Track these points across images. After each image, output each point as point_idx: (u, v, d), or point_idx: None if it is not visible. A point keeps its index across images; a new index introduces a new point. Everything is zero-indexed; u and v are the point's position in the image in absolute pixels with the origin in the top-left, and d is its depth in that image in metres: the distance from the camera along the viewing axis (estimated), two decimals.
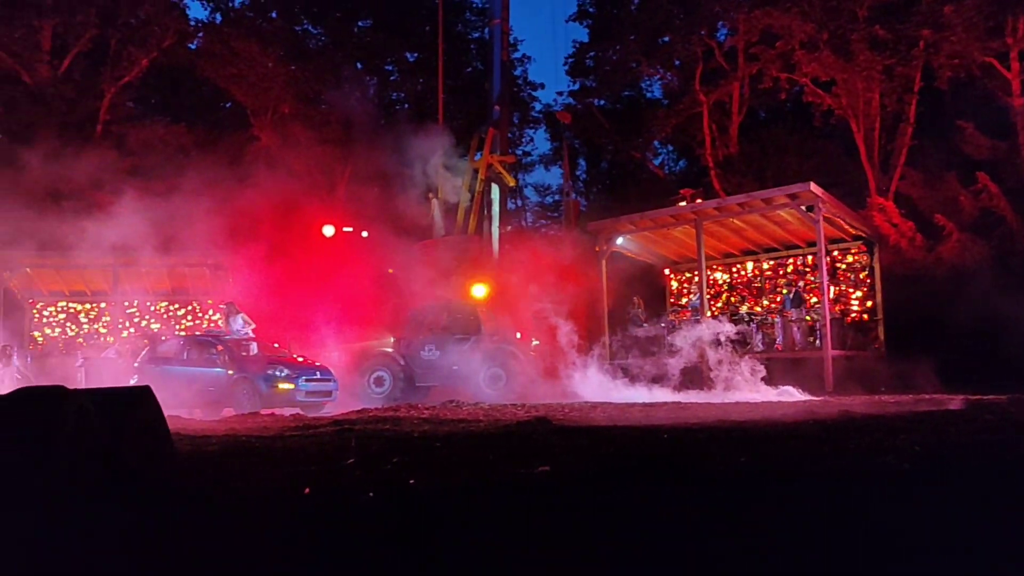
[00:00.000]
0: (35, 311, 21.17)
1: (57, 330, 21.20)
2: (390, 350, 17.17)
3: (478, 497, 4.19)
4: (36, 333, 20.93)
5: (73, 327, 21.23)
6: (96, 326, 21.19)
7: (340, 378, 15.35)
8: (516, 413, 10.83)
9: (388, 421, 9.68)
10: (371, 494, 4.15)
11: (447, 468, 5.24)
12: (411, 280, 18.39)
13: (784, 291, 19.28)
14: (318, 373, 14.67)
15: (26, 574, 2.76)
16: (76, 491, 3.90)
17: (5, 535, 3.33)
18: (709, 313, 18.30)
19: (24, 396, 4.14)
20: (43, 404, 3.99)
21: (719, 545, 3.02)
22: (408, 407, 12.69)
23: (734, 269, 20.86)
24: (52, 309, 21.34)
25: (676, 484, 4.49)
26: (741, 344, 16.72)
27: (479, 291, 18.90)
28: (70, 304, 21.36)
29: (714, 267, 20.77)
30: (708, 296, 18.99)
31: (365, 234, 20.29)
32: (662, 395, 14.61)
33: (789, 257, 19.89)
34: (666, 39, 27.50)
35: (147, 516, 3.72)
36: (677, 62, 27.89)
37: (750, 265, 20.54)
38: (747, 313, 18.74)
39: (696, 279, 19.09)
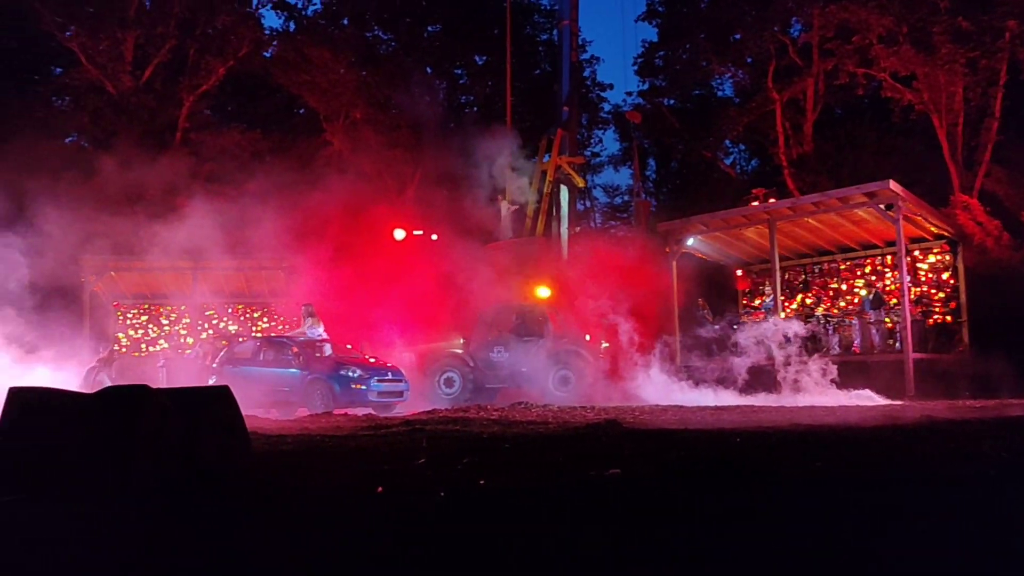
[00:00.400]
0: (119, 313, 21.97)
1: (139, 331, 21.96)
2: (459, 351, 17.27)
3: (548, 498, 4.17)
4: (120, 334, 21.72)
5: (155, 328, 21.96)
6: (176, 328, 21.89)
7: (410, 379, 15.52)
8: (585, 415, 10.77)
9: (458, 422, 9.72)
10: (442, 494, 4.17)
11: (516, 469, 5.23)
12: (480, 282, 18.48)
13: (862, 292, 18.74)
14: (390, 374, 14.87)
15: (110, 566, 2.85)
16: (157, 487, 4.02)
17: (90, 528, 3.45)
18: (783, 314, 17.91)
19: (109, 395, 4.29)
20: (127, 403, 4.12)
21: (796, 550, 2.94)
22: (477, 408, 12.74)
23: (809, 270, 20.38)
24: (135, 311, 22.12)
25: (749, 489, 4.39)
26: (816, 346, 16.33)
27: (547, 293, 18.88)
28: (151, 306, 22.10)
29: (788, 267, 20.34)
30: (782, 297, 18.59)
31: (434, 237, 20.48)
32: (733, 398, 14.36)
33: (867, 257, 19.35)
34: (737, 36, 26.99)
35: (224, 512, 3.80)
36: (749, 59, 27.37)
37: (826, 265, 20.04)
38: (823, 315, 18.27)
39: (769, 280, 18.72)
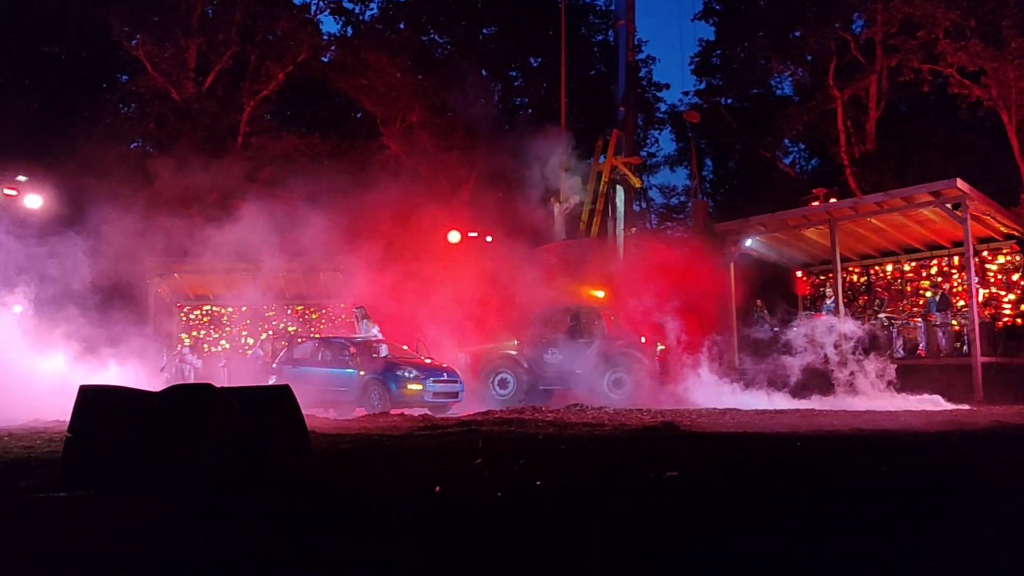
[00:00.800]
0: (182, 314, 22.51)
1: (202, 332, 22.47)
2: (514, 353, 17.28)
3: (604, 500, 4.15)
4: (183, 335, 22.25)
5: (216, 329, 22.45)
6: (237, 328, 22.33)
7: (464, 380, 15.59)
8: (642, 418, 10.68)
9: (513, 423, 9.73)
10: (499, 494, 4.18)
11: (573, 471, 5.21)
12: (534, 283, 18.47)
13: (928, 294, 18.25)
14: (445, 375, 14.96)
15: (178, 557, 2.92)
16: (221, 482, 4.11)
17: (158, 522, 3.54)
18: (844, 316, 17.52)
19: (176, 393, 4.40)
20: (194, 401, 4.22)
21: (857, 556, 2.87)
22: (532, 410, 12.73)
23: (872, 271, 19.92)
24: (197, 312, 22.64)
25: (810, 493, 4.30)
26: (880, 349, 15.94)
27: (602, 294, 18.78)
28: (213, 307, 22.57)
29: (850, 269, 19.90)
30: (844, 299, 18.18)
31: (489, 239, 20.54)
32: (791, 402, 14.11)
33: (933, 258, 18.82)
34: (797, 34, 26.52)
35: (286, 508, 3.87)
36: (809, 57, 26.86)
37: (889, 266, 19.56)
38: (887, 317, 17.81)
39: (831, 281, 18.35)
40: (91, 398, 4.35)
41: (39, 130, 20.68)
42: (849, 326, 15.99)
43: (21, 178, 17.21)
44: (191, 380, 15.17)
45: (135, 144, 27.04)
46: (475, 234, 20.53)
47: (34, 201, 17.03)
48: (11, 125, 18.85)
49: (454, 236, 20.26)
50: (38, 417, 10.30)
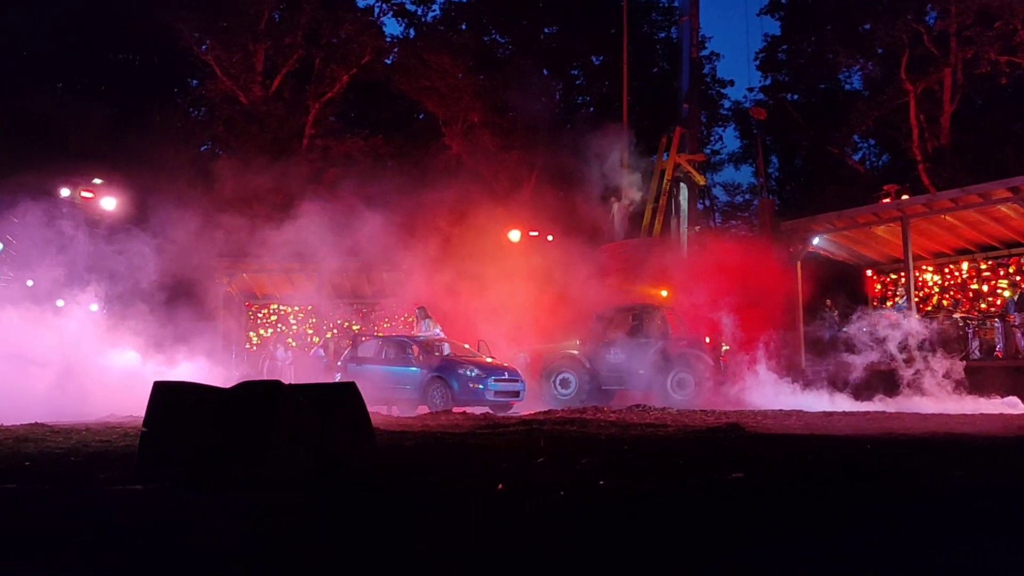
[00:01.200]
0: (250, 313, 23.04)
1: (269, 330, 22.96)
2: (575, 353, 17.21)
3: (669, 501, 4.10)
4: (251, 333, 22.77)
5: (283, 327, 22.91)
6: (303, 327, 22.75)
7: (525, 379, 15.59)
8: (705, 419, 10.54)
9: (575, 423, 9.69)
10: (561, 493, 4.16)
11: (636, 471, 5.16)
12: (596, 283, 18.37)
13: (1006, 293, 17.61)
14: (507, 374, 14.99)
15: (249, 547, 2.97)
16: (290, 477, 4.18)
17: (228, 515, 3.62)
18: (916, 316, 17.01)
19: (245, 389, 4.49)
20: (263, 397, 4.31)
21: (938, 563, 2.77)
22: (594, 410, 12.66)
23: (946, 270, 19.31)
24: (265, 311, 23.15)
25: (882, 498, 4.18)
26: (954, 350, 15.42)
27: (665, 294, 18.59)
28: (280, 306, 23.05)
29: (923, 268, 19.32)
30: (917, 299, 17.67)
31: (550, 238, 20.51)
32: (861, 404, 13.75)
33: (1011, 256, 18.14)
34: (867, 27, 25.88)
35: (353, 502, 3.92)
36: (879, 50, 26.18)
37: (965, 265, 18.93)
38: (962, 317, 17.24)
39: (903, 281, 17.84)
40: (165, 394, 4.47)
41: (114, 134, 21.38)
42: (920, 326, 15.51)
43: (97, 181, 17.85)
44: (287, 376, 15.49)
45: (204, 147, 27.80)
46: (536, 233, 20.53)
47: (109, 203, 17.65)
48: (88, 130, 19.54)
49: (514, 235, 20.29)
50: (112, 412, 10.65)
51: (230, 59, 25.38)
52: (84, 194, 17.48)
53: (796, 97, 30.50)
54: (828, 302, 18.54)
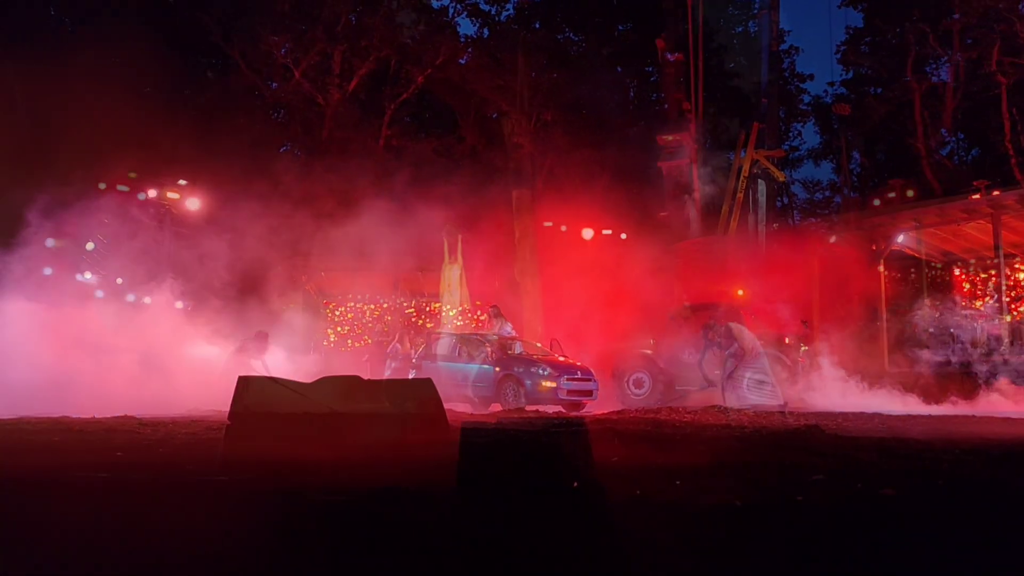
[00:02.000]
0: (328, 311, 23.53)
1: (346, 328, 23.39)
2: (649, 352, 17.03)
3: (748, 504, 4.02)
4: (329, 330, 23.23)
5: (359, 325, 23.32)
6: (379, 324, 23.09)
7: (599, 379, 15.51)
8: (784, 420, 10.31)
9: (649, 423, 9.60)
10: (637, 492, 4.14)
11: (712, 472, 5.09)
12: (670, 281, 18.16)
13: None
14: (579, 373, 14.94)
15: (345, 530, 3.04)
16: (368, 468, 4.26)
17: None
18: (1008, 317, 16.31)
19: (326, 383, 4.60)
20: (343, 390, 4.41)
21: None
22: (668, 410, 12.51)
23: None
24: (342, 309, 23.61)
25: (967, 503, 4.03)
26: None
27: (742, 292, 18.25)
28: (356, 304, 23.49)
29: (1016, 265, 18.51)
30: (1008, 298, 16.94)
31: (623, 236, 20.36)
32: (947, 407, 13.28)
33: None
34: (955, 16, 24.91)
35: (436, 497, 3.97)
36: (968, 41, 25.17)
37: None
38: None
39: (993, 279, 17.13)
40: (248, 386, 4.61)
41: (199, 137, 22.06)
42: (1008, 326, 14.87)
43: (182, 182, 18.48)
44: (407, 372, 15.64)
45: (284, 148, 28.44)
46: (609, 231, 20.40)
47: (193, 203, 18.26)
48: (175, 133, 20.20)
49: (587, 233, 20.20)
50: (196, 406, 11.00)
51: (308, 61, 25.90)
52: (170, 195, 18.11)
53: (879, 91, 29.54)
54: (912, 302, 17.91)
